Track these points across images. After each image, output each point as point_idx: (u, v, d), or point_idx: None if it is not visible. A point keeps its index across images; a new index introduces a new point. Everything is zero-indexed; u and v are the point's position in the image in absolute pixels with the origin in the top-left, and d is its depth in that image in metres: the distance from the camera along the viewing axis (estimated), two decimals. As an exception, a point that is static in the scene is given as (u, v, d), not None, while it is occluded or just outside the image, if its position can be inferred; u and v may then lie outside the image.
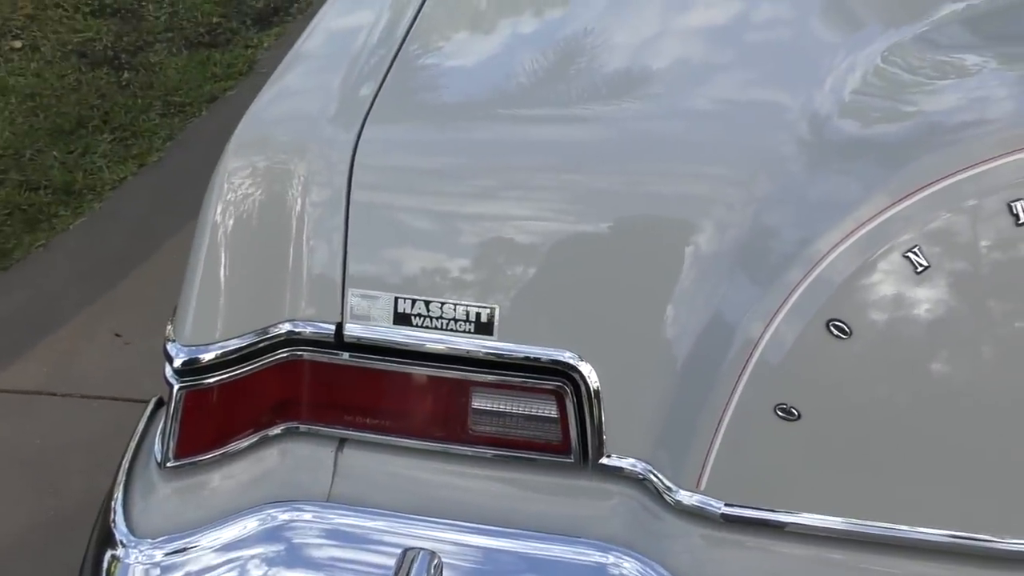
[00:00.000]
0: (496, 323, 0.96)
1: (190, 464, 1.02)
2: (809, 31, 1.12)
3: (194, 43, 3.66)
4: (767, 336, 0.88)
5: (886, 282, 0.85)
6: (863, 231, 0.85)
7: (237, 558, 0.96)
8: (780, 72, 1.06)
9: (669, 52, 1.14)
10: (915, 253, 0.84)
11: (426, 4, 1.18)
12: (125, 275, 2.61)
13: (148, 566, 0.96)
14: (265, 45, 3.70)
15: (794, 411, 0.88)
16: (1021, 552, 0.87)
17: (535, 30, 1.23)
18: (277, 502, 0.99)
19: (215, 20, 3.82)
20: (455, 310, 0.97)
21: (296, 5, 4.05)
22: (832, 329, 0.86)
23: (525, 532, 0.96)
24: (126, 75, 3.45)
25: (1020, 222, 0.82)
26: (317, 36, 1.21)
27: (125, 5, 3.93)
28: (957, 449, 0.87)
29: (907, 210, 0.84)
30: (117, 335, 2.42)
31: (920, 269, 0.84)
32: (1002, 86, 0.95)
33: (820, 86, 0.98)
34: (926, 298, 0.85)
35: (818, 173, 0.92)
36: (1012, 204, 0.82)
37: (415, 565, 0.91)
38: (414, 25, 1.15)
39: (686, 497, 0.93)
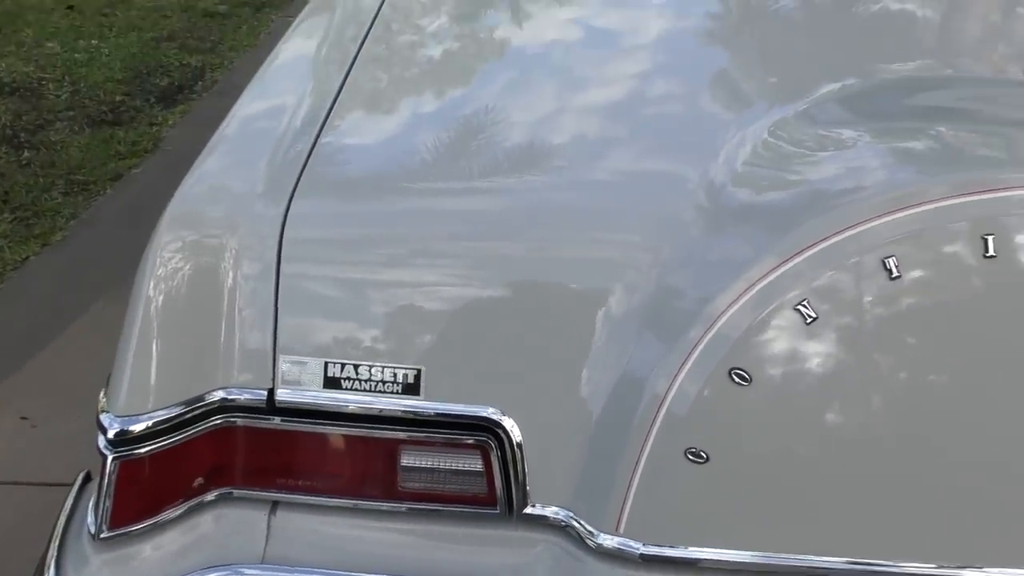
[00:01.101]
0: (422, 383, 1.02)
1: (125, 534, 1.03)
2: (703, 108, 1.23)
3: (97, 121, 3.66)
4: (674, 389, 0.95)
5: (780, 333, 0.94)
6: (756, 288, 0.93)
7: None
8: (678, 146, 1.15)
9: (574, 127, 1.23)
10: (804, 306, 0.93)
11: (343, 89, 1.25)
12: (31, 356, 2.58)
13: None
14: (170, 123, 3.72)
15: (703, 454, 0.96)
16: (915, 575, 0.95)
17: (446, 109, 1.31)
18: (214, 567, 1.01)
19: (118, 98, 3.84)
20: (383, 372, 1.02)
21: (201, 83, 4.09)
22: (733, 377, 0.94)
23: None
24: (26, 154, 3.43)
25: (894, 276, 0.92)
26: (239, 119, 1.27)
27: (24, 84, 3.91)
28: (852, 481, 0.95)
29: (794, 268, 0.93)
30: (23, 418, 2.38)
31: (809, 320, 0.93)
32: (875, 157, 1.06)
33: (715, 158, 1.08)
34: (816, 346, 0.94)
35: (715, 237, 1.01)
36: (886, 260, 0.92)
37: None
38: (334, 106, 1.22)
39: (607, 540, 0.99)
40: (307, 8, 1.63)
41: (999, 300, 0.93)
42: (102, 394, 1.06)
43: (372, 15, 1.44)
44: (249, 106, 1.29)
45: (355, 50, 1.34)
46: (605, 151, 1.19)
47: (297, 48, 1.49)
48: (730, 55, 1.40)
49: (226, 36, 4.61)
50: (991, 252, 0.91)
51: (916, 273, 0.92)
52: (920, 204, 0.93)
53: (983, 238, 0.91)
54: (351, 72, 1.29)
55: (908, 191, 0.95)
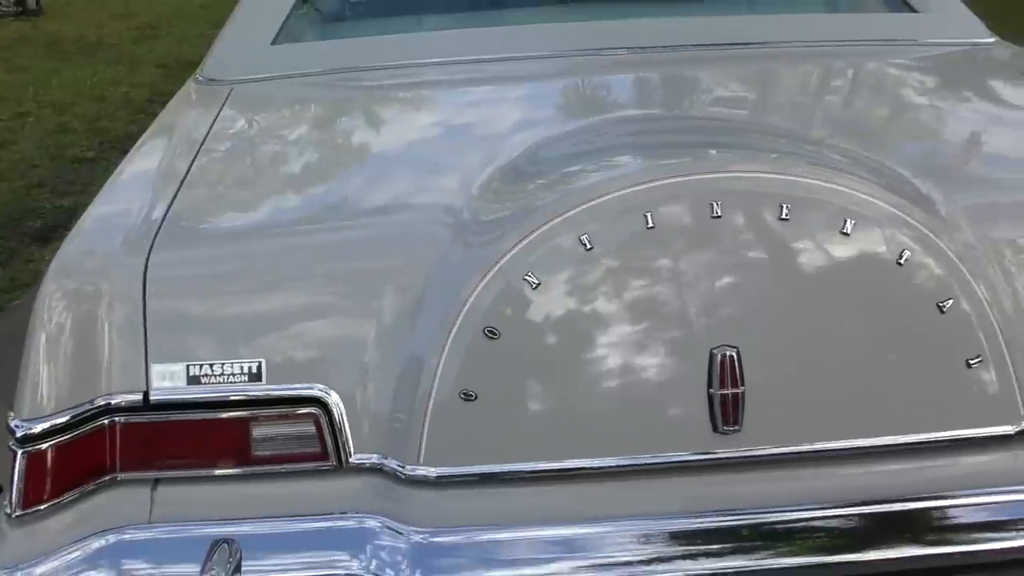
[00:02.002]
0: (263, 372, 1.34)
1: (33, 513, 1.31)
2: (450, 168, 1.66)
3: (-25, 264, 3.89)
4: (445, 352, 1.30)
5: (515, 298, 1.31)
6: (493, 270, 1.30)
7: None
8: (435, 191, 1.56)
9: (362, 186, 1.64)
10: (528, 277, 1.30)
11: (186, 178, 1.62)
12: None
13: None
14: (47, 259, 3.95)
15: (472, 394, 1.30)
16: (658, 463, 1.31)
17: (263, 190, 1.69)
18: (107, 529, 1.30)
19: (-6, 242, 4.07)
20: (232, 367, 1.34)
21: (73, 221, 4.35)
22: (487, 334, 1.30)
23: (303, 516, 1.32)
24: (-90, 297, 3.62)
25: (589, 248, 1.30)
26: (105, 198, 1.61)
27: None
28: (583, 401, 1.31)
29: (517, 253, 1.30)
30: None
31: (535, 286, 1.30)
32: (574, 177, 1.45)
33: (467, 190, 1.48)
34: (543, 305, 1.31)
35: (460, 243, 1.38)
36: (581, 238, 1.30)
37: (217, 551, 1.25)
38: (180, 189, 1.57)
39: (412, 471, 1.31)
40: (155, 122, 2.01)
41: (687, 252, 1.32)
42: (10, 410, 1.35)
43: (205, 133, 1.82)
44: (112, 188, 1.64)
45: (194, 154, 1.72)
46: (386, 197, 1.61)
47: (149, 151, 1.85)
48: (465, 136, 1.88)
49: (96, 178, 4.89)
50: (652, 225, 1.30)
51: (611, 242, 1.31)
52: (600, 197, 1.32)
53: (645, 214, 1.30)
54: (191, 168, 1.66)
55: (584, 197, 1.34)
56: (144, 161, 1.78)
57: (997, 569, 1.32)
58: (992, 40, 2.23)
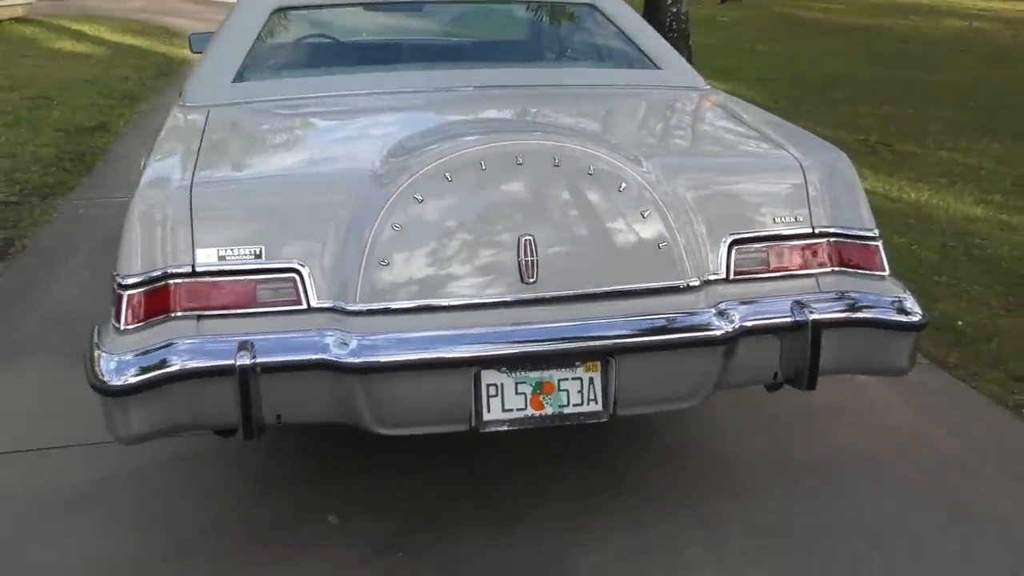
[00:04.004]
0: (263, 253, 2.33)
1: (130, 329, 2.26)
2: (376, 141, 2.72)
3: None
4: (370, 239, 2.32)
5: (410, 207, 2.34)
6: (399, 190, 2.34)
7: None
8: (360, 152, 2.64)
9: (310, 150, 2.72)
10: (417, 196, 2.34)
11: (203, 141, 2.64)
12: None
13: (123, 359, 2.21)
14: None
15: (385, 261, 2.32)
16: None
17: (264, 152, 2.73)
18: (171, 340, 2.25)
19: (-51, 260, 4.83)
20: (244, 250, 2.33)
21: (13, 248, 5.15)
22: (393, 228, 2.32)
23: (290, 331, 2.30)
24: None
25: (449, 180, 2.35)
26: (153, 162, 2.59)
27: None
28: (453, 263, 2.35)
29: (412, 182, 2.35)
30: None
31: (420, 200, 2.34)
32: (440, 145, 2.50)
33: (377, 156, 2.53)
34: (424, 210, 2.34)
35: (379, 181, 2.41)
36: (445, 175, 2.35)
37: (242, 347, 2.23)
38: (200, 145, 2.60)
39: (351, 308, 2.32)
40: (165, 127, 3.00)
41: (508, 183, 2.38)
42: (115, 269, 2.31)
43: (202, 127, 2.83)
44: (156, 159, 2.62)
45: (200, 138, 2.72)
46: (330, 159, 2.72)
47: (169, 139, 2.84)
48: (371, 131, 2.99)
49: (23, 217, 5.70)
50: (484, 168, 2.37)
51: (461, 176, 2.36)
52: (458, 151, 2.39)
53: (480, 161, 2.36)
54: (201, 144, 2.66)
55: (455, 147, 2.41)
56: (169, 145, 2.76)
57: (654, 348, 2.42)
58: (708, 87, 3.47)
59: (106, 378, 2.23)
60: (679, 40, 10.17)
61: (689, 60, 3.56)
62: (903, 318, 2.55)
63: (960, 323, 4.15)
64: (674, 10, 10.88)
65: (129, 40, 14.18)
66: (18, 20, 15.87)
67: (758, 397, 3.25)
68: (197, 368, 2.24)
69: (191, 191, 2.38)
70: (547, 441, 3.09)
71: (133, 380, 2.22)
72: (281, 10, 3.56)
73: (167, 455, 3.02)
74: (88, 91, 9.85)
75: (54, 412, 3.37)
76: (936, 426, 3.33)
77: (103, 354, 2.25)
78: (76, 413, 3.39)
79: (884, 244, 2.64)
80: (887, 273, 2.62)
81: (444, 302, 2.36)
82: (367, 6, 4.01)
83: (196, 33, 4.92)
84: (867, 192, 2.74)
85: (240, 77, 3.25)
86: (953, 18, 16.49)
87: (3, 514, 2.80)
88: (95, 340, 2.31)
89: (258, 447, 2.99)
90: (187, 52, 12.90)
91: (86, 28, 15.28)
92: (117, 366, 2.23)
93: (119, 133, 8.12)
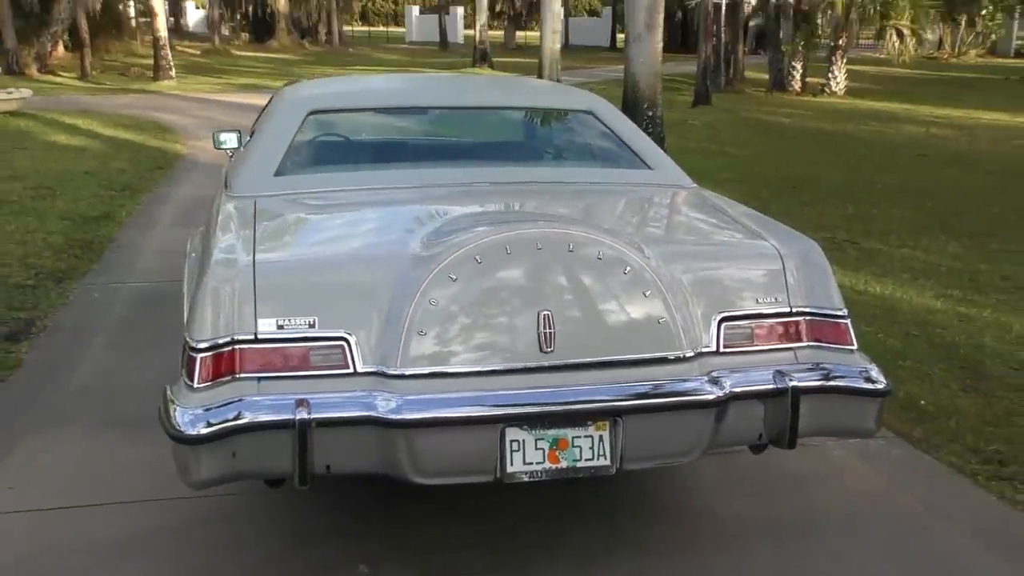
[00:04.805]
0: (317, 323, 2.68)
1: (201, 387, 2.59)
2: (416, 226, 3.11)
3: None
4: (409, 312, 2.67)
5: (445, 285, 2.70)
6: (434, 272, 2.71)
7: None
8: (401, 236, 3.01)
9: (356, 233, 3.08)
10: (451, 275, 2.70)
11: (256, 226, 3.01)
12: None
13: (197, 413, 2.53)
14: (24, 351, 5.05)
15: (424, 332, 2.67)
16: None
17: (305, 236, 3.10)
18: (239, 398, 2.58)
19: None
20: (300, 320, 2.68)
21: (34, 327, 5.44)
22: (430, 303, 2.68)
23: (341, 392, 2.63)
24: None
25: (480, 262, 2.72)
26: (218, 245, 2.96)
27: None
28: (483, 335, 2.70)
29: (446, 264, 2.71)
30: None
31: (454, 279, 2.70)
32: (468, 232, 2.88)
33: (418, 235, 2.90)
34: (458, 288, 2.70)
35: (418, 261, 2.78)
36: (475, 257, 2.72)
37: (299, 405, 2.56)
38: (255, 229, 2.97)
39: (393, 372, 2.66)
40: (219, 214, 3.36)
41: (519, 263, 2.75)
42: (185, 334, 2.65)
43: (253, 214, 3.21)
44: (220, 240, 2.99)
45: (253, 223, 3.10)
46: (373, 242, 3.08)
47: (225, 226, 3.20)
48: (408, 219, 3.37)
49: (41, 299, 6.01)
50: (509, 251, 2.74)
51: (489, 259, 2.73)
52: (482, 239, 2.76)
53: (505, 246, 2.74)
54: (255, 228, 3.03)
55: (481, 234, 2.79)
56: (227, 230, 3.12)
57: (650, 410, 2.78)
58: (694, 186, 3.91)
59: (182, 428, 2.55)
60: (655, 141, 10.75)
61: (665, 160, 4.04)
62: (870, 386, 2.92)
63: (923, 402, 4.53)
64: (650, 114, 11.54)
65: (122, 134, 14.61)
66: (12, 114, 16.31)
67: (746, 464, 3.60)
68: (261, 422, 2.56)
69: (254, 270, 2.73)
70: (558, 498, 3.41)
71: (205, 431, 2.54)
72: (315, 112, 3.99)
73: (207, 512, 3.30)
74: (88, 182, 10.23)
75: (93, 474, 3.64)
76: (903, 491, 3.68)
77: (178, 408, 2.58)
78: (113, 474, 3.67)
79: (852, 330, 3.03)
80: (855, 347, 3.01)
81: (474, 368, 2.70)
82: (390, 111, 4.46)
83: (218, 131, 5.36)
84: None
85: (280, 172, 3.64)
86: (912, 124, 17.32)
87: (65, 561, 3.07)
88: (170, 396, 2.64)
89: (291, 503, 3.29)
90: (179, 147, 13.59)
91: (79, 122, 15.73)
92: (192, 419, 2.55)
93: (122, 223, 8.47)
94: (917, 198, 10.19)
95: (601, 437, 2.76)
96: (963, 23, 35.50)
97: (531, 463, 2.73)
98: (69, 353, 5.06)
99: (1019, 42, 39.88)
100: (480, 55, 32.34)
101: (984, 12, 33.56)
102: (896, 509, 3.52)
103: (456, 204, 3.53)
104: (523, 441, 2.71)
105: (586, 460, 2.76)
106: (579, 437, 2.75)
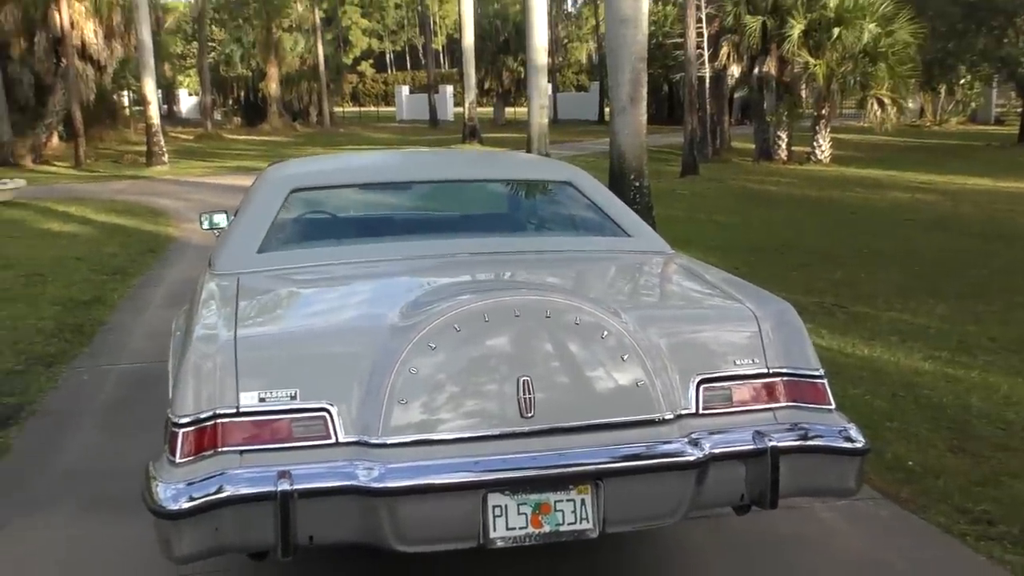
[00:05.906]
0: (298, 396, 2.71)
1: (183, 462, 2.60)
2: (389, 298, 3.14)
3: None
4: (390, 381, 2.71)
5: (424, 355, 2.74)
6: (413, 341, 2.74)
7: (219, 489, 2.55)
8: (379, 309, 3.04)
9: (333, 306, 3.11)
10: (431, 344, 2.74)
11: (238, 302, 3.04)
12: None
13: (179, 488, 2.54)
14: (13, 435, 5.04)
15: (404, 400, 2.70)
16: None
17: (286, 309, 3.14)
18: (217, 473, 2.59)
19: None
20: (281, 393, 2.70)
21: (23, 412, 5.45)
22: (410, 371, 2.71)
23: (324, 462, 2.64)
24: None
25: (458, 331, 2.76)
26: (200, 321, 2.99)
27: None
28: (463, 403, 2.72)
29: (425, 333, 2.75)
30: None
31: (433, 348, 2.74)
32: (446, 302, 2.92)
33: (398, 305, 2.94)
34: (438, 357, 2.74)
35: (396, 332, 2.82)
36: (454, 326, 2.76)
37: (281, 477, 2.58)
38: (238, 305, 2.99)
39: (375, 441, 2.68)
40: (202, 291, 3.41)
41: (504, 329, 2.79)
42: (168, 411, 2.67)
43: (235, 291, 3.25)
44: (202, 317, 3.02)
45: (235, 300, 3.14)
46: (351, 314, 3.12)
47: (208, 302, 3.24)
48: (386, 291, 3.41)
49: (30, 384, 6.02)
50: (487, 320, 2.78)
51: (468, 327, 2.77)
52: (464, 306, 2.81)
53: (483, 314, 2.78)
54: (238, 304, 3.07)
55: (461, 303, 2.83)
56: (209, 307, 3.16)
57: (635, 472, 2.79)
58: (672, 252, 3.98)
59: (163, 504, 2.55)
60: (643, 211, 10.87)
61: (653, 228, 4.08)
62: (849, 444, 2.94)
63: (910, 463, 4.53)
64: (637, 184, 11.68)
65: (114, 219, 14.74)
66: (6, 204, 16.48)
67: (730, 527, 3.59)
68: (243, 494, 2.57)
69: (235, 344, 2.77)
70: (540, 563, 3.39)
71: (187, 505, 2.55)
72: (297, 190, 4.07)
73: (192, 590, 3.29)
74: (80, 267, 10.30)
75: (82, 558, 3.62)
76: (889, 551, 3.67)
77: (160, 483, 2.59)
78: (97, 557, 3.65)
79: (840, 395, 3.08)
80: (833, 407, 3.03)
81: (456, 435, 2.73)
82: (371, 187, 4.55)
83: (205, 212, 5.43)
84: (824, 349, 3.21)
85: (263, 249, 3.70)
86: (897, 190, 17.53)
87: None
88: (152, 472, 2.65)
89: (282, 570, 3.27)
90: (171, 230, 13.70)
91: (72, 209, 15.89)
92: (174, 494, 2.56)
93: (114, 306, 8.51)
94: (904, 262, 10.29)
95: (583, 500, 2.76)
96: (943, 92, 36.11)
97: (514, 528, 2.73)
98: (56, 437, 5.05)
99: (999, 110, 40.52)
100: (469, 131, 32.76)
101: (963, 81, 34.15)
102: (886, 570, 3.51)
103: (437, 275, 3.59)
104: (505, 506, 2.72)
105: (569, 524, 2.76)
106: (561, 501, 2.75)
